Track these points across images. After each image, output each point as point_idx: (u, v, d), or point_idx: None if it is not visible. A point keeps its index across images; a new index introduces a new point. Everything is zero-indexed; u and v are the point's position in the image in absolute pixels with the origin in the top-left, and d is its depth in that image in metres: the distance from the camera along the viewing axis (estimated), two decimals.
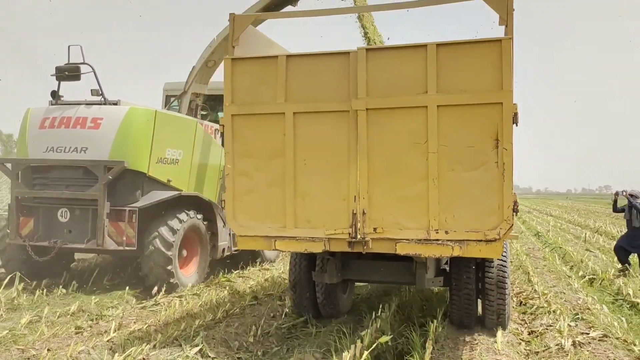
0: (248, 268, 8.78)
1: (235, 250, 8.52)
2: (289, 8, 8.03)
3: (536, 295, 6.69)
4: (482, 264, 4.99)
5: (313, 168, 4.40)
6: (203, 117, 9.09)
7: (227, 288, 7.28)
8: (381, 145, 4.22)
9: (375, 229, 4.26)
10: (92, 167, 6.93)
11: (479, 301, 5.22)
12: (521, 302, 6.70)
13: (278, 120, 4.43)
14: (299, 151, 4.41)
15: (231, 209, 4.54)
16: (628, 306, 6.67)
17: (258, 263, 9.14)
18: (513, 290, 7.03)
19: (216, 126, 8.93)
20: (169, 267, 6.92)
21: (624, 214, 9.03)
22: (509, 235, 4.13)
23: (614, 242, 13.04)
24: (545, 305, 6.15)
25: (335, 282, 5.16)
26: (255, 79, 4.47)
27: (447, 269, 5.20)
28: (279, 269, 8.77)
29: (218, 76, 9.19)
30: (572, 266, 9.56)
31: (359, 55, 4.22)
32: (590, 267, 8.97)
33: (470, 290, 4.95)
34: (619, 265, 8.81)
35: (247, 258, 8.97)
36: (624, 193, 8.95)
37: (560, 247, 11.92)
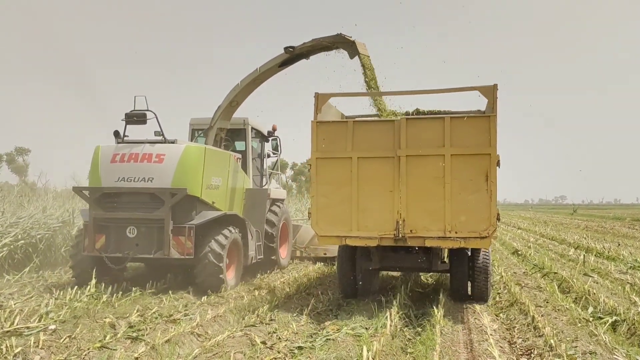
0: (268, 272, 11.42)
1: (259, 259, 11.17)
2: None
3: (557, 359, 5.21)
4: (472, 256, 8.11)
5: (369, 192, 7.37)
6: (226, 148, 11.70)
7: (270, 286, 9.88)
8: (415, 178, 7.27)
9: (411, 231, 7.27)
10: (160, 193, 9.23)
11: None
12: None
13: (347, 162, 7.38)
14: (360, 181, 7.37)
15: (315, 218, 7.42)
16: None
17: (275, 270, 11.81)
18: (516, 346, 6.07)
19: (239, 155, 11.60)
20: (221, 276, 9.34)
21: None
22: (493, 235, 7.26)
23: (610, 263, 12.22)
24: None
25: (377, 268, 8.10)
26: (332, 135, 7.42)
27: (446, 260, 8.28)
28: (294, 274, 11.48)
29: (237, 113, 11.87)
30: (577, 299, 8.39)
31: (401, 122, 7.29)
32: (603, 301, 7.71)
33: (464, 273, 8.06)
34: None
35: (267, 265, 11.63)
36: None
37: (555, 273, 10.73)
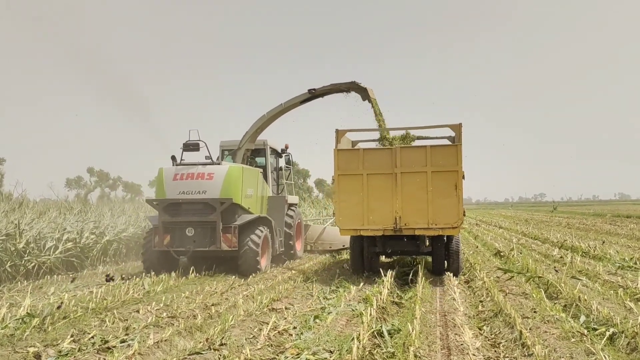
0: (287, 261, 14.88)
1: (282, 250, 14.64)
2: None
3: None
4: (448, 242, 11.75)
5: (376, 198, 11.04)
6: (250, 164, 15.11)
7: (293, 270, 13.35)
8: (407, 188, 10.96)
9: (405, 224, 10.97)
10: (212, 202, 12.65)
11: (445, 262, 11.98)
12: None
13: (359, 177, 11.07)
14: (369, 190, 11.05)
15: (338, 216, 11.08)
16: None
17: (293, 259, 15.31)
18: None
19: (261, 170, 14.99)
20: (257, 266, 12.82)
21: None
22: (461, 226, 10.89)
23: (598, 263, 12.67)
24: None
25: (380, 252, 11.71)
26: (349, 158, 11.10)
27: (430, 244, 11.90)
28: (307, 262, 14.97)
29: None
30: (566, 306, 8.02)
31: (397, 150, 10.99)
32: (595, 308, 7.36)
33: (442, 254, 11.77)
34: None
35: (286, 255, 15.11)
36: None
37: (540, 277, 10.41)
